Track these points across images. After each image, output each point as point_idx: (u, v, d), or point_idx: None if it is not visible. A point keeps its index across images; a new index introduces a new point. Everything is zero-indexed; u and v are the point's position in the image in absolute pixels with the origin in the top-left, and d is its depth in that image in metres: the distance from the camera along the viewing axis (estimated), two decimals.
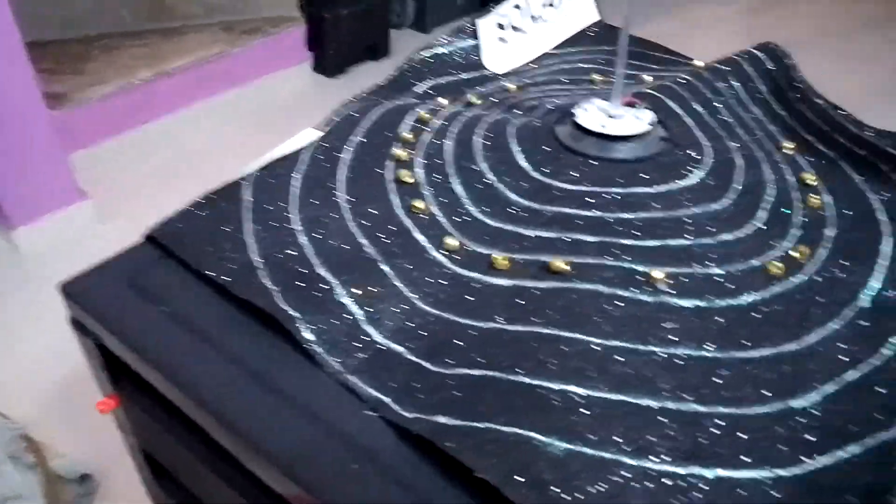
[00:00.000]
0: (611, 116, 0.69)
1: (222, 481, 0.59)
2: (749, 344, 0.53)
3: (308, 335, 0.53)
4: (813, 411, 0.49)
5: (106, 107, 2.05)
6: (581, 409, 0.48)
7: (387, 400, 0.50)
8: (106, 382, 0.66)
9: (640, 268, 0.58)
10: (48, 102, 1.76)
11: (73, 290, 0.60)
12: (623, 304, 0.55)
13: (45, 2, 2.04)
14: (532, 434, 0.46)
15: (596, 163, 0.67)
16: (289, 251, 0.60)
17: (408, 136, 0.71)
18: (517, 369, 0.50)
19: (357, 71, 2.30)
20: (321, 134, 0.72)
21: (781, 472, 0.45)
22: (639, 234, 0.61)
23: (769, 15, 2.45)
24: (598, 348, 0.52)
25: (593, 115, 0.70)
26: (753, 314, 0.55)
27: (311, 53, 2.55)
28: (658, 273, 0.57)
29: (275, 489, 0.50)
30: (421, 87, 0.83)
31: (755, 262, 0.59)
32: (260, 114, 2.27)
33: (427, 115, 0.74)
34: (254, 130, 2.04)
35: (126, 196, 1.93)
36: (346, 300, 0.56)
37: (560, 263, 0.58)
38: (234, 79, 2.32)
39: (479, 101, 0.82)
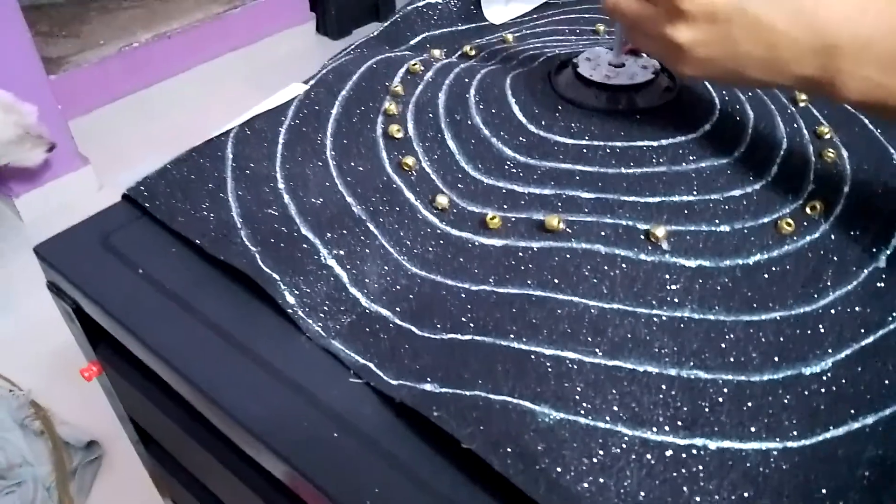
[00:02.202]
0: (613, 66, 0.65)
1: (204, 450, 0.57)
2: (757, 306, 0.49)
3: (290, 298, 0.50)
4: (825, 378, 0.45)
5: (104, 71, 2.02)
6: (575, 376, 0.45)
7: (371, 365, 0.47)
8: (88, 348, 0.64)
9: (641, 225, 0.55)
10: (46, 67, 1.74)
11: (47, 253, 0.58)
12: (622, 264, 0.52)
13: None
14: (522, 402, 0.43)
15: (596, 115, 0.63)
16: (271, 210, 0.57)
17: (398, 89, 0.67)
18: (508, 334, 0.47)
19: (361, 32, 2.25)
20: (308, 88, 0.68)
21: (790, 444, 0.42)
22: (640, 189, 0.58)
23: None
24: (595, 311, 0.49)
25: (595, 64, 0.66)
26: (762, 274, 0.52)
27: (314, 14, 2.49)
28: (660, 231, 0.53)
29: (253, 458, 0.47)
30: (414, 39, 0.79)
31: (765, 220, 0.56)
32: (261, 76, 2.23)
33: (419, 67, 0.70)
34: (255, 94, 2.01)
35: (127, 161, 1.91)
36: (331, 261, 0.53)
37: (555, 222, 0.54)
38: (234, 40, 2.28)
39: (474, 53, 0.78)
